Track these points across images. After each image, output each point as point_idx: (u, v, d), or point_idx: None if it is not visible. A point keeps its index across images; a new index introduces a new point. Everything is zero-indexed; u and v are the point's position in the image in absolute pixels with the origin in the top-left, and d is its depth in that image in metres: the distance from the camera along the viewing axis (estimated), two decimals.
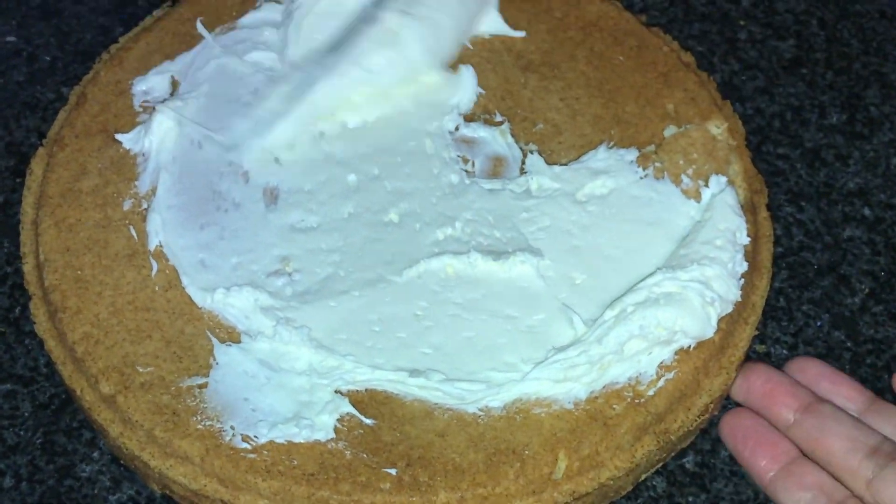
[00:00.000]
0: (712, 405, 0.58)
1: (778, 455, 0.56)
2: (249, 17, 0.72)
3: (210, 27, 0.71)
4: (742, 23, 0.82)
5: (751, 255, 0.61)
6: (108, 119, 0.66)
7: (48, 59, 0.80)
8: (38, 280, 0.61)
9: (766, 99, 0.77)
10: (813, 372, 0.59)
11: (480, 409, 0.56)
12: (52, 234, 0.61)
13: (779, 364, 0.63)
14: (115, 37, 0.77)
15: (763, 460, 0.57)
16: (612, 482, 0.55)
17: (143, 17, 0.74)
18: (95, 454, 0.61)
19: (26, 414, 0.62)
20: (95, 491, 0.59)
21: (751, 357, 0.64)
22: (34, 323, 0.59)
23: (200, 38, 0.70)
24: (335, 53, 0.66)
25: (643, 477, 0.59)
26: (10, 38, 0.82)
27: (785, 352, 0.65)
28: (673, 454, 0.60)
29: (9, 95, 0.78)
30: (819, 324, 0.66)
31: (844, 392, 0.58)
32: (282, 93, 0.65)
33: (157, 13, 0.72)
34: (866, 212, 0.71)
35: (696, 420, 0.57)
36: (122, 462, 0.60)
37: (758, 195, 0.64)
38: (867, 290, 0.68)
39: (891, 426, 0.56)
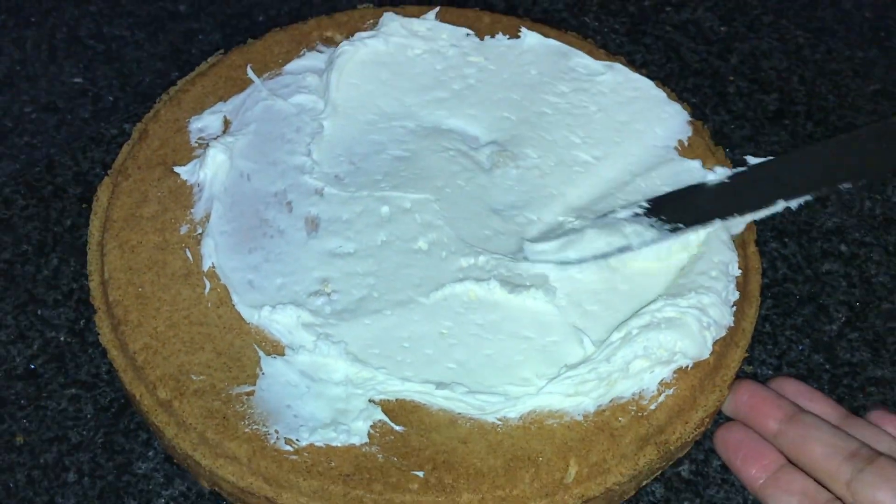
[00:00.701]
0: (707, 419, 0.58)
1: (766, 464, 0.56)
2: (294, 64, 0.72)
3: (259, 73, 0.71)
4: (731, 78, 0.82)
5: (742, 285, 0.61)
6: (167, 153, 0.67)
7: (111, 98, 0.81)
8: (103, 296, 0.60)
9: (752, 146, 0.77)
10: (792, 390, 0.59)
11: (499, 419, 0.56)
12: (116, 254, 0.61)
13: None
14: (171, 80, 0.78)
15: (753, 469, 0.56)
16: (617, 487, 0.55)
17: (196, 62, 0.74)
18: (150, 453, 0.60)
19: (89, 416, 0.62)
20: (150, 486, 0.59)
21: (739, 377, 0.64)
22: (98, 334, 0.59)
23: (250, 82, 0.70)
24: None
25: (644, 483, 0.59)
26: (77, 80, 0.82)
27: (770, 372, 0.65)
28: (671, 463, 0.59)
29: (76, 131, 0.78)
30: (801, 348, 0.66)
31: (820, 408, 0.58)
32: None
33: (211, 60, 0.72)
34: (843, 248, 0.71)
35: (692, 432, 0.57)
36: (175, 461, 0.60)
37: (748, 232, 0.64)
38: (844, 319, 0.68)
39: (863, 436, 0.56)
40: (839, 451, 0.54)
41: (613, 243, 0.60)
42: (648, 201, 0.63)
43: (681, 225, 0.61)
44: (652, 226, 0.61)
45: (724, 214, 0.61)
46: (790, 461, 0.56)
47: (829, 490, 0.54)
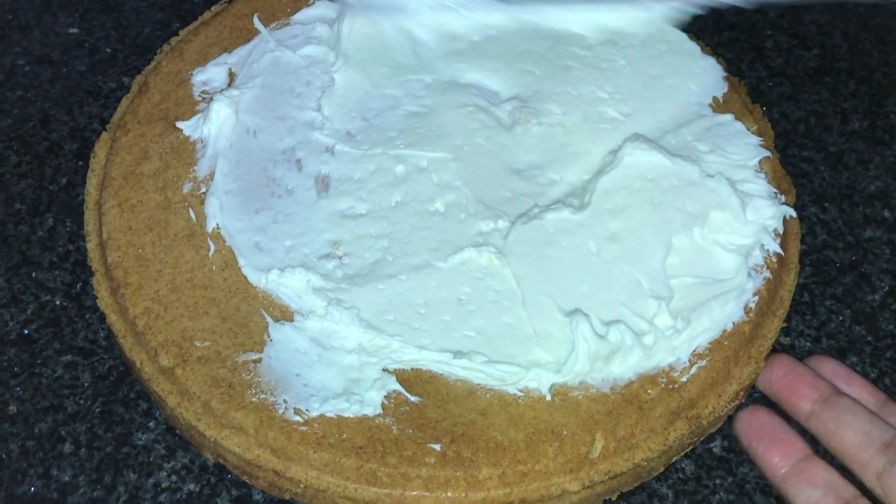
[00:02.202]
0: (741, 392, 0.57)
1: (790, 453, 0.55)
2: (303, 14, 0.71)
3: (266, 23, 0.70)
4: (769, 32, 0.81)
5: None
6: (169, 107, 0.66)
7: (109, 50, 0.80)
8: (101, 257, 0.60)
9: (791, 105, 0.76)
10: (829, 369, 0.59)
11: (520, 391, 0.55)
12: (115, 213, 0.61)
13: (801, 357, 0.63)
14: (172, 31, 0.77)
15: (776, 457, 0.56)
16: (645, 463, 0.54)
17: (198, 13, 0.73)
18: (151, 423, 0.60)
19: (86, 384, 0.62)
20: (151, 458, 0.59)
21: (776, 349, 0.63)
22: (96, 298, 0.59)
23: (256, 32, 0.70)
24: None
25: (674, 459, 0.58)
26: (73, 30, 0.81)
27: (808, 344, 0.64)
28: (702, 438, 0.59)
29: (72, 84, 0.77)
30: (841, 318, 0.66)
31: (857, 392, 0.57)
32: None
33: (215, 8, 0.72)
34: (886, 214, 0.70)
35: (726, 406, 0.56)
36: (177, 432, 0.59)
37: (786, 195, 0.63)
38: (887, 288, 0.67)
39: None
40: (873, 441, 0.53)
41: None
42: None
43: None
44: None
45: None
46: (820, 445, 0.55)
47: (858, 479, 0.53)
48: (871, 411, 0.55)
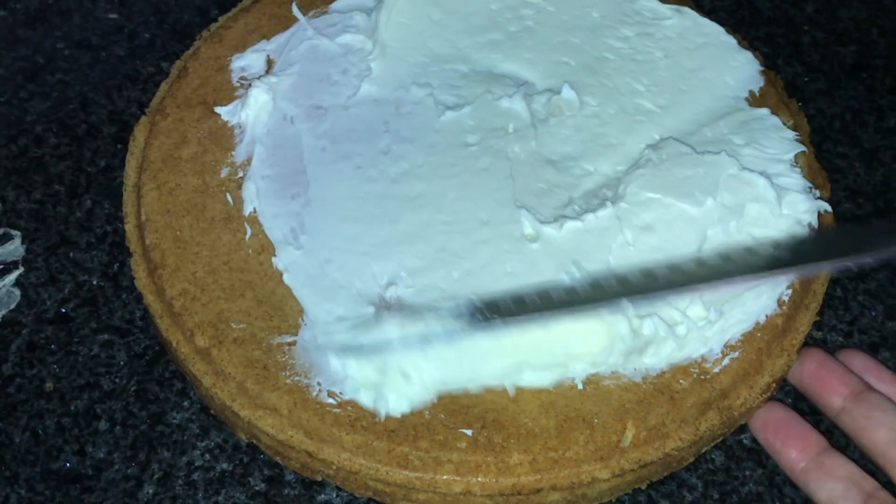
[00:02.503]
0: (773, 384, 0.57)
1: (808, 447, 0.55)
2: (341, 2, 0.72)
3: (304, 11, 0.71)
4: (806, 28, 0.81)
5: None
6: (208, 92, 0.67)
7: (147, 36, 0.81)
8: (139, 239, 0.61)
9: (827, 101, 0.76)
10: (860, 364, 0.58)
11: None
12: (154, 196, 0.62)
13: (832, 351, 0.63)
14: (210, 17, 0.78)
15: (794, 452, 0.56)
16: (675, 453, 0.54)
17: (237, 0, 0.73)
18: (186, 403, 0.61)
19: (122, 363, 0.62)
20: (185, 437, 0.60)
21: (808, 343, 0.63)
22: (133, 278, 0.59)
23: (295, 20, 0.70)
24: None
25: (704, 450, 0.58)
26: (113, 16, 0.82)
27: (840, 339, 0.64)
28: (733, 430, 0.59)
29: (111, 68, 0.78)
30: (874, 314, 0.65)
31: (888, 388, 0.57)
32: None
33: None
34: None
35: (757, 398, 0.56)
36: (211, 411, 0.60)
37: (821, 190, 0.63)
38: None
39: None
40: None
41: None
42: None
43: None
44: None
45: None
46: (849, 441, 0.55)
47: (886, 477, 0.53)
48: None
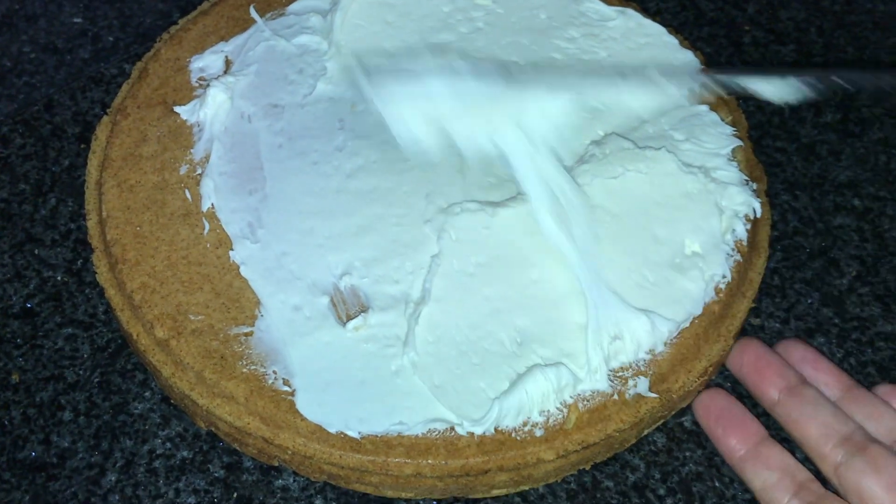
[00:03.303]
0: (711, 369, 0.58)
1: (747, 436, 0.57)
2: (298, 4, 0.72)
3: (261, 13, 0.72)
4: (747, 28, 0.82)
5: (751, 236, 0.61)
6: (168, 92, 0.67)
7: (111, 39, 0.81)
8: (101, 235, 0.61)
9: None
10: (798, 355, 0.60)
11: None
12: (115, 193, 0.62)
13: (771, 337, 0.64)
14: (172, 20, 0.78)
15: (733, 440, 0.57)
16: (617, 434, 0.55)
17: (198, 3, 0.74)
18: (147, 394, 0.62)
19: (85, 355, 0.63)
20: (146, 426, 0.60)
21: (746, 329, 0.65)
22: (96, 273, 0.60)
23: (252, 21, 0.71)
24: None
25: (646, 432, 0.60)
26: (77, 20, 0.83)
27: (777, 325, 0.66)
28: (673, 413, 0.60)
29: (75, 70, 0.79)
30: (810, 301, 0.67)
31: (824, 378, 0.59)
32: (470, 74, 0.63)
33: None
34: (856, 202, 0.72)
35: (695, 381, 0.57)
36: (171, 401, 0.61)
37: (758, 182, 0.64)
38: (854, 273, 0.68)
39: (865, 413, 0.56)
40: (833, 434, 0.54)
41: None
42: None
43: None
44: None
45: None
46: (785, 432, 0.57)
47: (819, 470, 0.55)
48: (834, 404, 0.56)
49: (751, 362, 0.59)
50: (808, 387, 0.57)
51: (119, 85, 0.70)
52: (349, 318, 0.57)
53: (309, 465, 0.55)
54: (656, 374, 0.56)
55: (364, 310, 0.57)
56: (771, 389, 0.58)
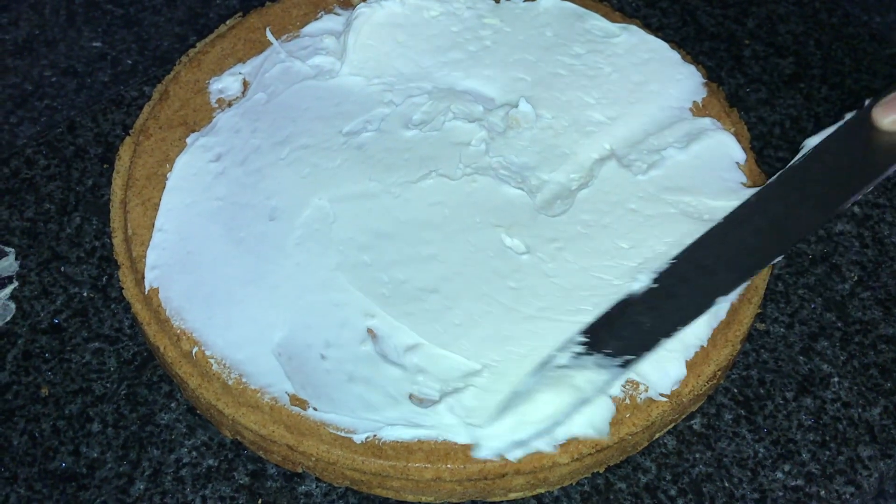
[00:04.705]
0: (719, 373, 0.60)
1: None
2: (312, 27, 0.74)
3: (277, 35, 0.73)
4: (747, 42, 0.84)
5: None
6: (188, 113, 0.69)
7: (130, 62, 0.83)
8: (127, 251, 0.63)
9: (767, 109, 0.79)
10: None
11: None
12: (139, 211, 0.64)
13: (776, 341, 0.66)
14: (189, 44, 0.80)
15: None
16: (629, 437, 0.57)
17: (213, 26, 0.76)
18: (173, 405, 0.63)
19: (112, 369, 0.65)
20: (172, 436, 0.62)
21: (752, 335, 0.66)
22: (122, 289, 0.62)
23: (269, 44, 0.73)
24: None
25: (657, 435, 0.61)
26: (97, 44, 0.84)
27: (782, 330, 0.67)
28: (683, 416, 0.62)
29: (95, 93, 0.81)
30: (813, 306, 0.68)
31: None
32: None
33: (230, 22, 0.75)
34: (856, 210, 0.73)
35: (704, 385, 0.59)
36: (197, 412, 0.62)
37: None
38: (856, 278, 0.70)
39: None
40: None
41: (565, 401, 0.54)
42: (583, 334, 0.56)
43: (630, 356, 0.54)
44: (600, 365, 0.54)
45: (668, 332, 0.55)
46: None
47: None
48: None
49: None
50: None
51: (139, 107, 0.72)
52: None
53: (332, 471, 0.57)
54: None
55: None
56: None
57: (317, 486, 0.60)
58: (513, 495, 0.59)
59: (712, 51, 0.83)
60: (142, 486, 0.60)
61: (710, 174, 0.65)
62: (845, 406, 0.64)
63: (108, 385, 0.64)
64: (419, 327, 0.58)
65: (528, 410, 0.54)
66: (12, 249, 0.70)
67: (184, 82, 0.71)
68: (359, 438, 0.55)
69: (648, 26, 0.79)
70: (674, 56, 0.72)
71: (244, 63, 0.72)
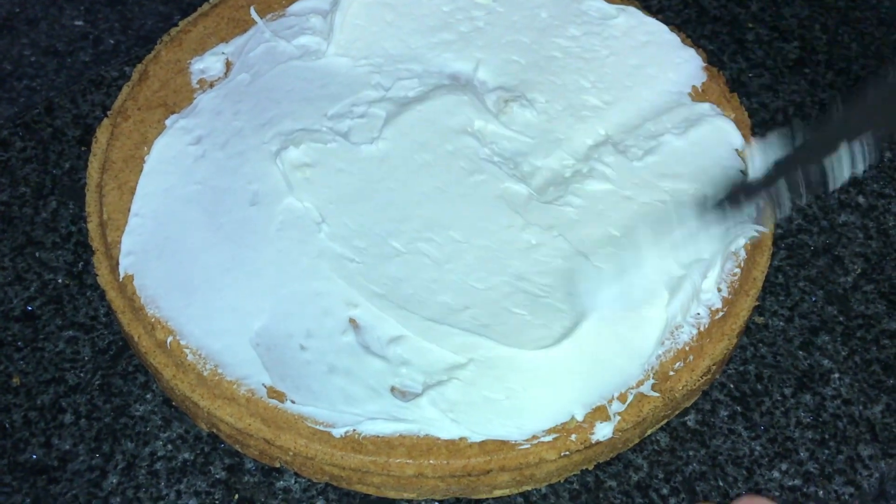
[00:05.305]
0: (714, 367, 0.58)
1: None
2: (298, 6, 0.72)
3: (262, 14, 0.72)
4: (750, 25, 0.82)
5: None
6: (168, 94, 0.68)
7: (112, 41, 0.81)
8: (102, 237, 0.62)
9: (770, 95, 0.77)
10: None
11: None
12: (115, 195, 0.63)
13: (774, 335, 0.64)
14: (173, 23, 0.78)
15: None
16: (620, 434, 0.55)
17: (199, 5, 0.74)
18: (148, 396, 0.62)
19: (86, 358, 0.63)
20: (147, 429, 0.60)
21: (750, 328, 0.65)
22: (97, 275, 0.60)
23: (253, 23, 0.71)
24: None
25: (649, 432, 0.59)
26: (79, 23, 0.83)
27: (782, 323, 0.65)
28: (677, 412, 0.60)
29: (76, 73, 0.79)
30: (814, 299, 0.67)
31: None
32: None
33: (214, 0, 0.73)
34: (860, 199, 0.72)
35: (698, 380, 0.57)
36: (173, 403, 0.61)
37: None
38: (859, 270, 0.68)
39: None
40: None
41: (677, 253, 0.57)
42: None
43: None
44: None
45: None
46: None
47: None
48: None
49: None
50: None
51: (120, 88, 0.71)
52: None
53: (311, 467, 0.56)
54: (659, 374, 0.56)
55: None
56: None
57: (295, 482, 0.59)
58: (498, 493, 0.57)
59: (714, 34, 0.81)
60: (115, 480, 0.59)
61: (707, 161, 0.64)
62: (846, 403, 0.62)
63: (81, 375, 0.63)
64: (405, 319, 0.56)
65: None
66: None
67: (164, 62, 0.69)
68: (338, 433, 0.54)
69: (648, 9, 0.77)
70: (673, 39, 0.71)
71: (227, 43, 0.70)
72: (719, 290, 0.59)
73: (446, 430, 0.54)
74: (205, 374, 0.56)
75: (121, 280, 0.59)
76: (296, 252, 0.59)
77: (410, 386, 0.55)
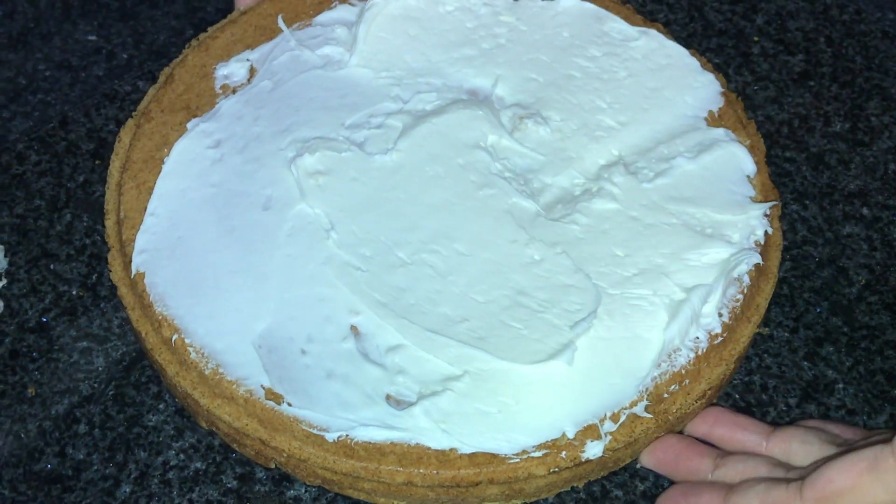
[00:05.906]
0: (710, 392, 0.58)
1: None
2: (325, 16, 0.74)
3: (289, 23, 0.73)
4: (756, 39, 0.83)
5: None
6: (191, 98, 0.69)
7: (125, 56, 0.83)
8: (118, 234, 0.63)
9: (775, 108, 0.78)
10: (711, 420, 0.60)
11: None
12: (133, 195, 0.64)
13: (779, 346, 0.65)
14: (185, 37, 0.80)
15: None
16: (610, 453, 0.56)
17: (211, 21, 0.75)
18: (161, 406, 0.63)
19: (100, 368, 0.65)
20: (160, 438, 0.62)
21: (756, 340, 0.65)
22: (110, 272, 0.62)
23: (280, 31, 0.72)
24: None
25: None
26: (92, 37, 0.84)
27: (787, 335, 0.66)
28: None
29: (90, 88, 0.80)
30: (818, 310, 0.68)
31: (752, 438, 0.59)
32: None
33: (243, 8, 0.74)
34: (865, 211, 0.72)
35: (693, 404, 0.57)
36: (185, 413, 0.62)
37: (773, 207, 0.64)
38: (863, 282, 0.69)
39: (797, 442, 0.57)
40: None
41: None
42: None
43: None
44: None
45: None
46: None
47: None
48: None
49: (668, 460, 0.59)
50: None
51: (133, 102, 0.72)
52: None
53: (304, 469, 0.57)
54: (654, 395, 0.57)
55: None
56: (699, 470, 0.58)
57: (306, 491, 0.60)
58: None
59: (720, 47, 0.82)
60: (128, 489, 0.60)
61: (718, 186, 0.64)
62: (850, 413, 0.63)
63: (95, 385, 0.64)
64: (405, 329, 0.58)
65: None
66: (1, 246, 0.70)
67: (190, 66, 0.70)
68: (331, 437, 0.55)
69: (655, 21, 0.78)
70: (693, 63, 0.71)
71: (253, 50, 0.72)
72: (720, 315, 0.59)
73: (437, 441, 0.54)
74: (206, 372, 0.57)
75: (132, 277, 0.61)
76: (303, 258, 0.60)
77: (405, 395, 0.56)
